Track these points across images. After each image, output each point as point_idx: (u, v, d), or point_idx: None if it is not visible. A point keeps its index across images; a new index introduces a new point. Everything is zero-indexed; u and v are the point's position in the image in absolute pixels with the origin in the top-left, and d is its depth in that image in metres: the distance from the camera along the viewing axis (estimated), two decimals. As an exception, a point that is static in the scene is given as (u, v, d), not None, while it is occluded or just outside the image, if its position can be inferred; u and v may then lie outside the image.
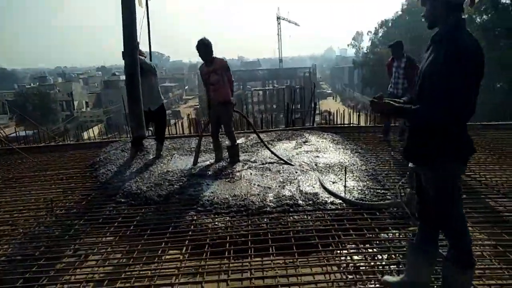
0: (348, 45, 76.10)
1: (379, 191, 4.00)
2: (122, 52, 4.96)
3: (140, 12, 6.97)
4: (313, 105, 8.69)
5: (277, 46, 78.06)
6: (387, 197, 3.85)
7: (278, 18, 73.28)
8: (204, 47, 4.74)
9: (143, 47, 5.79)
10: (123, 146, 6.33)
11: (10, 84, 74.57)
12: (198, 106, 59.09)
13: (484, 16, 29.54)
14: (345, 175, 4.15)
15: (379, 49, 46.55)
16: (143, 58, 5.18)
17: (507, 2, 27.38)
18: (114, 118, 51.38)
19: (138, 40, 5.64)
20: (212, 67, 4.87)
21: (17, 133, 8.69)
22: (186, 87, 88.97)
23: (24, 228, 3.67)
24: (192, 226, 3.47)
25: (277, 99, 49.90)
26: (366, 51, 53.50)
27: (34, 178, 5.32)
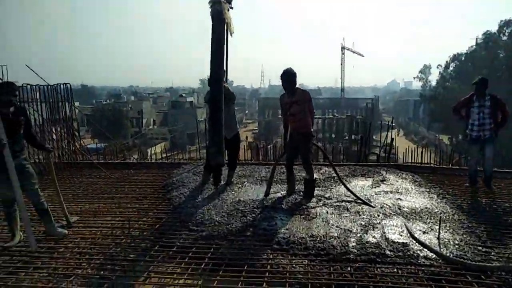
0: (414, 78, 73.24)
1: (480, 248, 3.49)
2: (209, 78, 4.95)
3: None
4: (368, 136, 8.17)
5: (339, 75, 77.50)
6: (491, 257, 3.34)
7: (343, 48, 73.03)
8: (289, 77, 4.66)
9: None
10: (195, 169, 6.38)
11: (89, 100, 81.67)
12: (256, 131, 59.95)
13: None
14: (440, 226, 3.69)
15: (449, 83, 44.18)
16: (226, 85, 5.19)
17: None
18: (177, 136, 53.80)
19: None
20: (294, 98, 4.74)
21: (96, 145, 9.24)
22: (247, 111, 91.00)
23: (102, 247, 3.70)
24: (269, 266, 3.24)
25: (336, 128, 49.05)
26: (435, 85, 50.94)
27: (112, 194, 5.48)
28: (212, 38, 4.37)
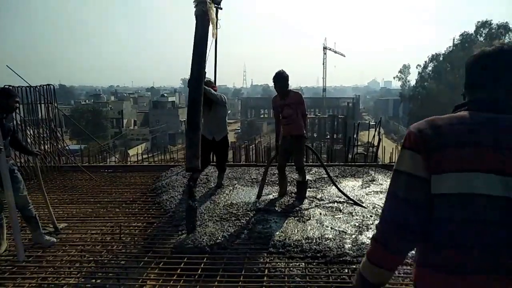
0: (394, 77, 74.71)
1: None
2: (188, 80, 4.80)
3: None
4: (355, 136, 8.26)
5: (320, 75, 78.20)
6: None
7: (325, 48, 73.72)
8: (282, 80, 4.64)
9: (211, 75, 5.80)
10: (184, 171, 6.28)
11: (67, 100, 79.75)
12: (239, 130, 59.88)
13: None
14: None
15: (427, 83, 45.26)
16: (209, 89, 5.04)
17: None
18: (159, 137, 53.17)
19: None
20: (286, 101, 4.73)
21: (80, 146, 9.01)
22: (229, 111, 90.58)
23: (93, 254, 3.60)
24: (267, 270, 3.21)
25: (318, 128, 49.48)
26: (414, 85, 52.07)
27: (99, 199, 5.35)
28: (194, 38, 4.26)
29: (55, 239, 3.85)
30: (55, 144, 7.10)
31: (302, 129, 4.82)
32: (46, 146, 6.89)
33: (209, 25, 4.20)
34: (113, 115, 58.43)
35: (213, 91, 5.12)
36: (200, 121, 4.56)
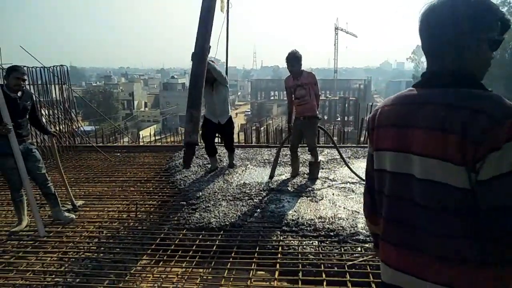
0: (407, 58, 73.14)
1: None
2: (192, 53, 4.42)
3: (218, 19, 7.01)
4: (365, 118, 8.12)
5: (331, 56, 76.97)
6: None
7: (336, 28, 72.23)
8: (295, 59, 4.60)
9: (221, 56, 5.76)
10: (197, 152, 6.34)
11: (78, 81, 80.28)
12: (249, 112, 59.75)
13: None
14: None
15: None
16: (213, 65, 4.91)
17: None
18: (169, 119, 53.44)
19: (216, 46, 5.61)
20: (300, 81, 4.70)
21: (94, 126, 9.12)
22: (239, 93, 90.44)
23: (111, 231, 3.70)
24: (280, 248, 3.27)
25: (328, 110, 49.03)
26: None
27: (114, 178, 5.45)
28: (200, 10, 4.19)
29: (74, 216, 3.96)
30: (69, 124, 7.20)
31: (315, 109, 4.80)
32: (61, 126, 7.00)
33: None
34: (124, 97, 58.74)
35: (217, 68, 5.04)
36: (201, 96, 4.47)
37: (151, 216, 4.07)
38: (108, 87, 58.01)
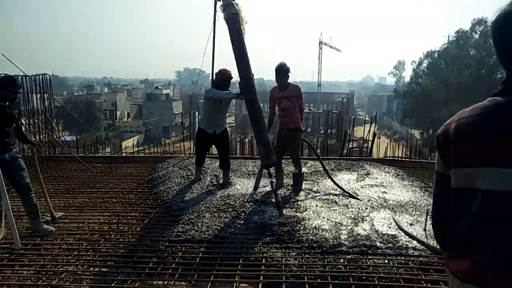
0: (388, 73, 74.86)
1: (463, 239, 3.64)
2: (239, 82, 4.67)
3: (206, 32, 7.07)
4: (348, 131, 8.31)
5: (315, 69, 78.26)
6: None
7: (320, 43, 73.65)
8: (284, 71, 4.69)
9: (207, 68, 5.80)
10: (180, 163, 6.31)
11: (60, 90, 78.79)
12: (233, 124, 59.73)
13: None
14: (426, 218, 3.83)
15: (421, 80, 45.39)
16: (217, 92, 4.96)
17: None
18: (152, 130, 52.88)
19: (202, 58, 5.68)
20: (285, 94, 4.77)
21: (75, 137, 8.96)
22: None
23: (91, 243, 3.61)
24: (264, 260, 3.26)
25: (312, 122, 49.50)
26: (408, 81, 52.26)
27: (95, 189, 5.35)
28: (232, 42, 4.28)
29: (53, 228, 3.86)
30: (50, 134, 7.05)
31: (299, 122, 4.87)
32: (41, 136, 6.85)
33: (240, 25, 4.24)
34: (107, 107, 57.94)
35: (220, 94, 5.05)
36: (263, 118, 4.61)
37: (133, 228, 4.00)
38: (91, 97, 57.20)
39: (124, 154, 8.16)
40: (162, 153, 9.22)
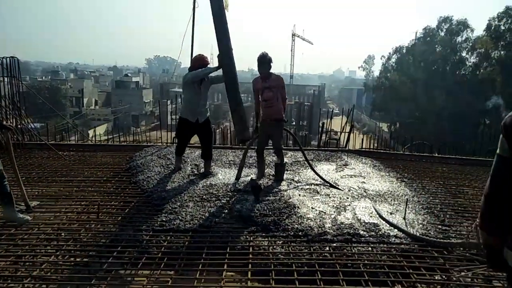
0: (358, 67, 76.52)
1: (440, 226, 3.81)
2: (218, 55, 4.67)
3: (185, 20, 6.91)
4: (320, 124, 8.49)
5: (287, 62, 78.65)
6: (450, 234, 3.67)
7: (293, 35, 73.92)
8: (266, 61, 4.66)
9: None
10: (158, 152, 6.18)
11: (23, 76, 74.84)
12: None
13: (502, 52, 29.60)
14: (406, 207, 3.96)
15: (390, 74, 46.66)
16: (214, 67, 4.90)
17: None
18: (121, 118, 51.43)
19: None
20: (267, 84, 4.75)
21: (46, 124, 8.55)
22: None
23: (71, 233, 3.49)
24: (251, 249, 3.28)
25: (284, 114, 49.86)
26: (378, 75, 53.57)
27: (70, 177, 5.15)
28: (212, 9, 4.23)
29: (29, 217, 3.69)
30: (18, 120, 6.70)
31: (281, 112, 4.88)
32: (9, 122, 6.49)
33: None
34: (73, 94, 55.74)
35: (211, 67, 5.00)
36: (240, 97, 4.55)
37: (114, 217, 3.89)
38: (56, 83, 54.76)
39: (99, 142, 7.89)
40: (133, 141, 9.01)
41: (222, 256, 3.15)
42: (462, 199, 4.80)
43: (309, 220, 3.72)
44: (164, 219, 3.75)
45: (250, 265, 3.03)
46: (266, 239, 3.46)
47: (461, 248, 3.37)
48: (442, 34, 38.87)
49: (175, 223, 3.68)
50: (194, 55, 6.05)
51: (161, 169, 5.33)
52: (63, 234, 3.46)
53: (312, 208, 4.03)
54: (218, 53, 4.63)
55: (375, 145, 10.08)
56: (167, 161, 5.69)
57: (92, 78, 70.32)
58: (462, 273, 3.02)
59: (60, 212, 3.97)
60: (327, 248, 3.30)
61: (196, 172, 5.29)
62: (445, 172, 6.13)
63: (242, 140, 4.43)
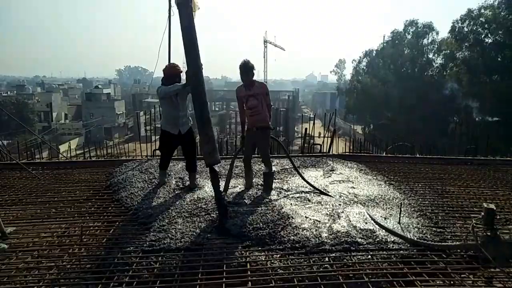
0: (330, 71, 77.91)
1: (434, 229, 3.80)
2: (186, 71, 4.29)
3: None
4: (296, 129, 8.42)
5: (261, 68, 79.10)
6: (446, 236, 3.66)
7: (265, 41, 74.54)
8: (248, 69, 4.56)
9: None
10: (140, 166, 5.93)
11: (-16, 91, 71.60)
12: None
13: (467, 53, 30.85)
14: (400, 211, 3.93)
15: (361, 77, 47.73)
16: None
17: (489, 41, 28.78)
18: (93, 131, 49.99)
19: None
20: (251, 91, 4.65)
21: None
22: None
23: (53, 260, 3.23)
24: (248, 265, 3.13)
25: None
26: (350, 79, 54.68)
27: (47, 198, 4.84)
28: (182, 29, 3.95)
29: (5, 245, 3.39)
30: (-15, 139, 6.28)
31: (267, 120, 4.78)
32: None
33: (192, 11, 3.93)
34: (41, 108, 53.71)
35: (173, 88, 4.76)
36: (209, 113, 4.21)
37: (98, 239, 3.65)
38: (22, 97, 52.66)
39: (75, 159, 7.52)
40: (113, 155, 8.69)
41: (219, 275, 2.99)
42: (449, 199, 4.84)
43: (305, 231, 3.62)
44: (153, 238, 3.55)
45: (250, 283, 2.88)
46: (262, 253, 3.32)
47: (458, 250, 3.36)
48: (409, 37, 40.17)
49: (165, 242, 3.48)
50: (163, 64, 5.86)
51: (145, 184, 5.11)
52: (44, 261, 3.20)
53: (306, 217, 3.93)
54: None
55: (351, 148, 10.13)
56: (149, 175, 5.46)
57: (60, 91, 67.97)
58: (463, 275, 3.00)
59: (39, 237, 3.69)
60: (327, 259, 3.20)
61: (181, 185, 5.10)
62: (429, 172, 6.19)
63: (210, 164, 3.96)
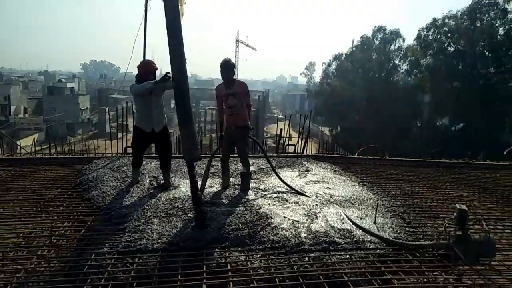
0: (300, 73, 79.03)
1: (407, 228, 3.92)
2: (172, 70, 3.96)
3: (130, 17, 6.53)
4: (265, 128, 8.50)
5: (232, 68, 78.99)
6: (418, 235, 3.78)
7: (237, 41, 74.43)
8: (229, 67, 4.51)
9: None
10: (111, 164, 5.72)
11: None
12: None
13: (430, 60, 32.26)
14: (376, 211, 4.02)
15: (330, 80, 48.72)
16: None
17: (452, 49, 30.26)
18: (54, 127, 47.84)
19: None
20: (231, 90, 4.61)
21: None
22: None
23: (20, 262, 3.04)
24: (229, 266, 3.09)
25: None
26: (319, 81, 55.68)
27: (10, 197, 4.56)
28: (167, 21, 3.79)
29: (-34, 248, 3.16)
30: None
31: (247, 119, 4.76)
32: None
33: (177, 3, 3.79)
34: (-2, 101, 50.82)
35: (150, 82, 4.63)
36: (191, 111, 4.05)
37: (69, 240, 3.48)
38: (-23, 89, 49.58)
39: (39, 155, 7.14)
40: (75, 152, 8.33)
41: (199, 276, 2.93)
42: (419, 200, 5.01)
43: (284, 231, 3.62)
44: (129, 239, 3.43)
45: (231, 284, 2.85)
46: (242, 253, 3.29)
47: (431, 249, 3.48)
48: (377, 42, 41.48)
49: (141, 242, 3.37)
50: (136, 60, 5.71)
51: (117, 183, 4.93)
52: (10, 265, 3.01)
53: (285, 217, 3.93)
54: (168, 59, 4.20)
55: (320, 149, 10.24)
56: (122, 174, 5.28)
57: (20, 83, 64.44)
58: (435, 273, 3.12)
59: (3, 238, 3.46)
60: (307, 259, 3.22)
61: (155, 184, 4.97)
62: (399, 174, 6.39)
63: (190, 160, 3.84)
